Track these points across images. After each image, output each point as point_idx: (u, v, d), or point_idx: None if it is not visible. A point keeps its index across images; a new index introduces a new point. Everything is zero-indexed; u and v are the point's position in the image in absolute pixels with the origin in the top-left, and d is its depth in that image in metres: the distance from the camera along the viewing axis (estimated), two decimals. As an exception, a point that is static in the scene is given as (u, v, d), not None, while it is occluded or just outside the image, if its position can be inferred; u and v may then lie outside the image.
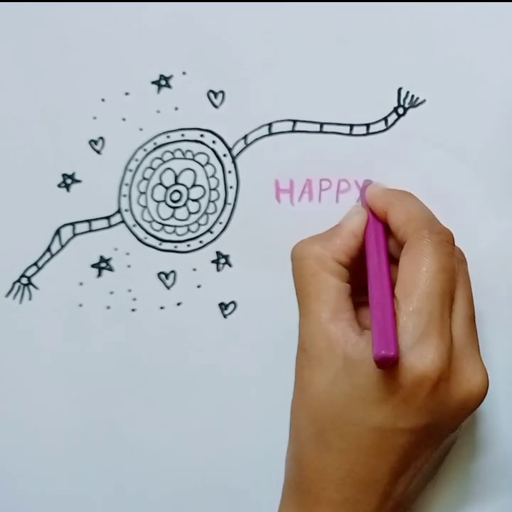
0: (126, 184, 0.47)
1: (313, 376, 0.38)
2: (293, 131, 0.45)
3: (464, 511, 0.45)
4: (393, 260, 0.40)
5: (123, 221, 0.47)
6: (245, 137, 0.46)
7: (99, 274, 0.48)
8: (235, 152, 0.46)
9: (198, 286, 0.46)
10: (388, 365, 0.35)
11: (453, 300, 0.38)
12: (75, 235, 0.48)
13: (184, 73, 0.46)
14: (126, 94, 0.47)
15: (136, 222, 0.47)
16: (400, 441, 0.37)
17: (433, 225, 0.39)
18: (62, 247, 0.48)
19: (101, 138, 0.47)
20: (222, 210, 0.46)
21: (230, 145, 0.46)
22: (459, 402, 0.37)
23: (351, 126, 0.45)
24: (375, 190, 0.43)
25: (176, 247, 0.47)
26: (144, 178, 0.47)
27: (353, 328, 0.38)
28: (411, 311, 0.36)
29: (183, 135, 0.46)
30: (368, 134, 0.44)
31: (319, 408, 0.38)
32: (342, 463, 0.37)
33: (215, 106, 0.46)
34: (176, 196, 0.46)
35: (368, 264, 0.40)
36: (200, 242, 0.46)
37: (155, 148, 0.47)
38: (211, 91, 0.46)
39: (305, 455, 0.39)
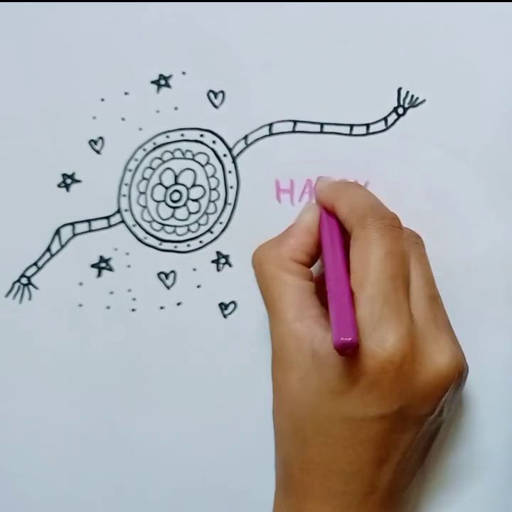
0: (126, 184, 0.47)
1: (285, 377, 0.39)
2: (293, 131, 0.45)
3: (453, 502, 0.45)
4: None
5: (123, 221, 0.47)
6: (246, 137, 0.46)
7: (99, 274, 0.48)
8: (235, 152, 0.46)
9: (198, 286, 0.46)
10: (349, 351, 0.35)
11: (408, 282, 0.38)
12: (74, 234, 0.48)
13: (184, 73, 0.46)
14: (126, 94, 0.47)
15: (136, 222, 0.47)
16: (374, 429, 0.37)
17: (376, 211, 0.39)
18: (62, 247, 0.48)
19: (101, 138, 0.47)
20: (223, 210, 0.46)
21: (231, 145, 0.46)
22: (427, 382, 0.37)
23: (351, 126, 0.45)
24: (322, 184, 0.43)
25: (175, 247, 0.47)
26: (144, 178, 0.47)
27: (320, 324, 0.38)
28: (366, 299, 0.36)
29: (182, 135, 0.46)
30: (367, 134, 0.45)
31: (294, 408, 0.38)
32: (322, 457, 0.38)
33: (215, 106, 0.46)
34: (175, 196, 0.46)
35: (324, 259, 0.40)
36: (200, 242, 0.46)
37: (154, 148, 0.47)
38: (211, 91, 0.46)
39: (288, 455, 0.39)
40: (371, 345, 0.36)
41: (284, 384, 0.39)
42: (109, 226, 0.47)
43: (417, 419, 0.38)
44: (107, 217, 0.47)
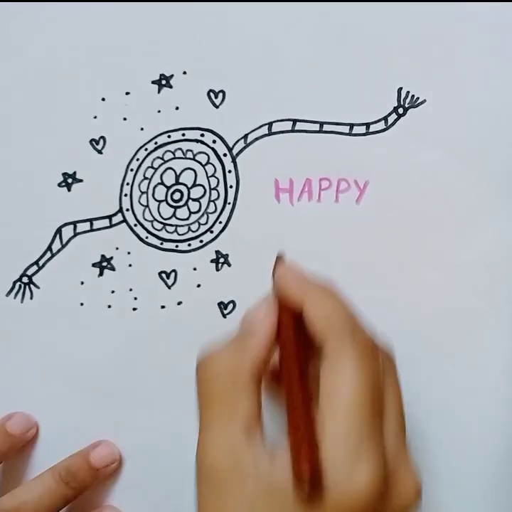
0: (128, 183, 0.47)
1: (223, 504, 0.34)
2: (293, 130, 0.45)
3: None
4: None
5: (124, 220, 0.47)
6: (245, 137, 0.46)
7: (101, 274, 0.48)
8: (235, 151, 0.46)
9: (198, 286, 0.47)
10: (312, 485, 0.32)
11: (383, 412, 0.35)
12: (76, 234, 0.48)
13: (184, 73, 0.46)
14: (127, 93, 0.47)
15: (138, 221, 0.47)
16: None
17: (355, 332, 0.35)
18: (63, 246, 0.48)
19: (102, 137, 0.48)
20: (222, 209, 0.46)
21: (230, 144, 0.46)
22: (397, 510, 0.35)
23: (351, 125, 0.45)
24: (287, 279, 0.37)
25: (177, 246, 0.47)
26: (145, 178, 0.47)
27: (265, 449, 0.35)
28: (340, 433, 0.34)
29: (183, 134, 0.47)
30: (367, 133, 0.45)
31: None
32: None
33: (216, 105, 0.46)
34: (177, 196, 0.47)
35: (281, 372, 0.37)
36: (201, 241, 0.46)
37: (156, 148, 0.47)
38: (211, 90, 0.46)
39: None
40: (347, 484, 0.33)
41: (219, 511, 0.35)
42: (111, 225, 0.48)
43: None
44: (109, 217, 0.48)
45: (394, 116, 0.44)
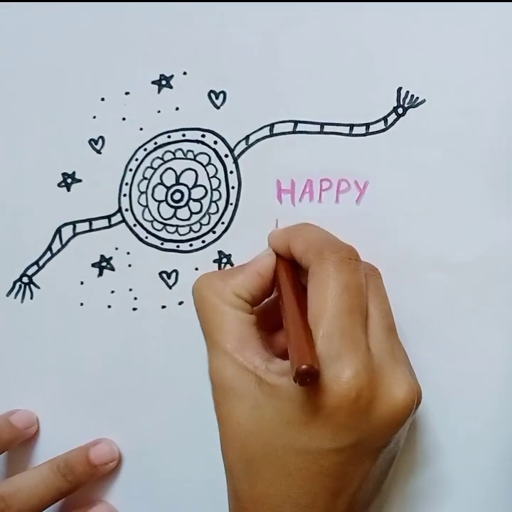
0: (127, 183, 0.47)
1: (231, 409, 0.38)
2: (294, 131, 0.45)
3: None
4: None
5: (123, 220, 0.47)
6: (247, 138, 0.46)
7: (100, 273, 0.48)
8: (236, 153, 0.46)
9: (200, 286, 0.47)
10: (310, 380, 0.34)
11: (365, 314, 0.38)
12: (75, 234, 0.48)
13: (185, 73, 0.46)
14: (127, 93, 0.47)
15: (137, 221, 0.47)
16: (329, 461, 0.36)
17: (332, 245, 0.38)
18: (63, 246, 0.48)
19: (101, 137, 0.48)
20: (225, 210, 0.46)
21: (232, 145, 0.46)
22: (384, 416, 0.36)
23: (351, 126, 0.45)
24: (275, 232, 0.43)
25: (178, 246, 0.47)
26: (144, 178, 0.47)
27: (261, 355, 0.38)
28: (322, 335, 0.36)
29: (184, 135, 0.47)
30: (367, 133, 0.45)
31: (245, 439, 0.37)
32: (276, 489, 0.37)
33: (217, 106, 0.46)
34: (177, 196, 0.47)
35: (281, 302, 0.40)
36: (203, 241, 0.46)
37: (155, 148, 0.47)
38: (212, 91, 0.46)
39: (240, 488, 0.38)
40: (327, 380, 0.35)
41: (230, 416, 0.38)
42: (110, 225, 0.48)
43: (373, 452, 0.37)
44: (108, 217, 0.48)
45: (393, 116, 0.44)
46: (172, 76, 0.46)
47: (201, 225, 0.46)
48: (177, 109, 0.46)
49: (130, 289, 0.47)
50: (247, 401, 0.37)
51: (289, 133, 0.45)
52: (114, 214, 0.47)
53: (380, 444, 0.37)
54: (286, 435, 0.36)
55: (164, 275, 0.47)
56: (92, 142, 0.48)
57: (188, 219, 0.46)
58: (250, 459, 0.38)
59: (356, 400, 0.35)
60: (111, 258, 0.48)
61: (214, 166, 0.46)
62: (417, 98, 0.44)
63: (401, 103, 0.44)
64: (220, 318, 0.39)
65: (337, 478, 0.36)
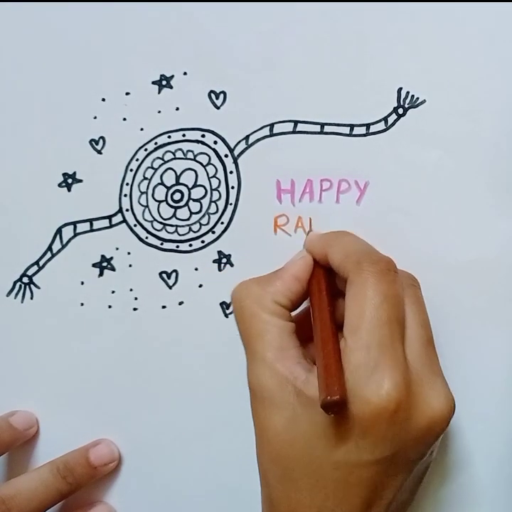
0: (127, 184, 0.47)
1: (269, 418, 0.38)
2: (294, 132, 0.45)
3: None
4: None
5: (124, 221, 0.47)
6: (247, 138, 0.46)
7: (101, 274, 0.48)
8: (236, 153, 0.46)
9: (200, 286, 0.47)
10: (336, 409, 0.34)
11: (403, 326, 0.38)
12: (76, 234, 0.48)
13: (185, 73, 0.46)
14: (127, 94, 0.47)
15: (137, 221, 0.47)
16: (366, 474, 0.36)
17: (371, 256, 0.39)
18: (64, 246, 0.48)
19: (102, 137, 0.48)
20: (224, 210, 0.46)
21: (232, 145, 0.46)
22: (421, 428, 0.36)
23: (351, 126, 0.45)
24: (312, 237, 0.43)
25: (177, 246, 0.47)
26: (145, 178, 0.47)
27: (301, 365, 0.38)
28: (361, 346, 0.36)
29: (184, 135, 0.47)
30: (367, 134, 0.45)
31: (281, 449, 0.38)
32: (312, 500, 0.37)
33: (217, 106, 0.46)
34: (177, 196, 0.47)
35: (311, 309, 0.40)
36: (202, 241, 0.46)
37: (156, 148, 0.47)
38: (212, 91, 0.46)
39: (275, 496, 0.38)
40: (367, 393, 0.35)
41: (267, 425, 0.38)
42: (111, 226, 0.48)
43: (409, 463, 0.37)
44: (109, 217, 0.48)
45: (394, 116, 0.44)
46: (172, 76, 0.46)
47: (201, 225, 0.46)
48: (177, 109, 0.47)
49: (130, 289, 0.48)
50: (284, 411, 0.37)
51: (289, 133, 0.45)
52: (114, 214, 0.48)
53: (416, 456, 0.37)
54: (322, 447, 0.36)
55: (164, 275, 0.47)
56: (93, 142, 0.48)
57: (188, 219, 0.47)
58: (286, 468, 0.38)
59: (395, 411, 0.35)
60: (111, 258, 0.48)
61: (214, 166, 0.46)
62: (418, 98, 0.44)
63: (401, 103, 0.44)
64: (260, 328, 0.39)
65: (373, 490, 0.37)
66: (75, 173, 0.48)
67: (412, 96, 0.44)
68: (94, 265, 0.48)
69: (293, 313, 0.41)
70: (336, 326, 0.38)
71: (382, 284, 0.37)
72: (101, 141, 0.48)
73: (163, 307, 0.47)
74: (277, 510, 0.38)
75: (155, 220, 0.47)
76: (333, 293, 0.40)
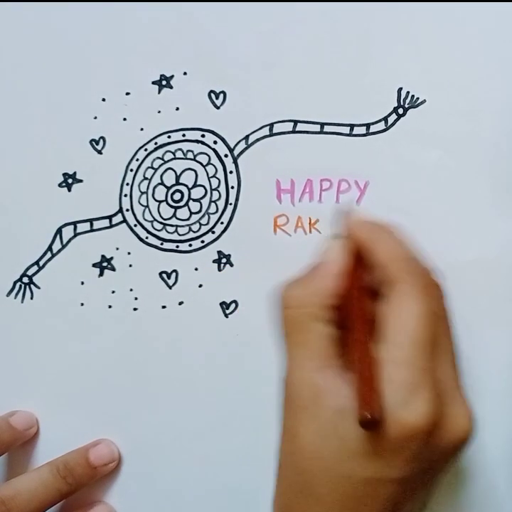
0: (127, 184, 0.47)
1: (299, 427, 0.37)
2: (294, 131, 0.45)
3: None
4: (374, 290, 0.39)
5: (124, 221, 0.47)
6: (246, 138, 0.46)
7: (101, 274, 0.48)
8: (236, 152, 0.46)
9: (200, 286, 0.47)
10: (372, 426, 0.34)
11: (442, 346, 0.37)
12: (76, 234, 0.48)
13: (185, 73, 0.46)
14: (127, 94, 0.47)
15: (138, 221, 0.47)
16: (391, 490, 0.36)
17: (418, 266, 0.38)
18: (64, 246, 0.48)
19: (102, 138, 0.48)
20: (224, 210, 0.46)
21: (232, 145, 0.46)
22: (449, 446, 0.36)
23: (351, 126, 0.45)
24: (358, 222, 0.41)
25: (177, 246, 0.47)
26: (145, 178, 0.47)
27: (341, 377, 0.37)
28: (402, 363, 0.35)
29: (184, 135, 0.47)
30: (367, 134, 0.45)
31: (307, 460, 0.37)
32: None
33: (216, 106, 0.46)
34: (177, 196, 0.47)
35: (349, 314, 0.38)
36: (202, 241, 0.46)
37: (156, 148, 0.47)
38: (212, 91, 0.46)
39: (291, 505, 0.38)
40: (404, 413, 0.35)
41: (296, 434, 0.37)
42: (111, 226, 0.48)
43: (432, 479, 0.38)
44: (109, 217, 0.48)
45: (394, 116, 0.44)
46: (172, 76, 0.47)
47: (201, 225, 0.46)
48: (177, 109, 0.47)
49: (131, 289, 0.48)
50: (317, 423, 0.37)
51: (288, 133, 0.45)
52: (115, 214, 0.48)
53: (440, 470, 0.38)
54: (350, 465, 0.36)
55: (164, 275, 0.47)
56: (93, 142, 0.48)
57: (188, 219, 0.47)
58: (308, 481, 0.37)
59: (430, 433, 0.35)
60: (112, 258, 0.48)
61: (214, 165, 0.46)
62: (418, 98, 0.44)
63: (401, 103, 0.44)
64: (305, 335, 0.38)
65: (395, 504, 0.36)
66: (75, 173, 0.48)
67: (412, 96, 0.44)
68: (94, 265, 0.48)
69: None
70: (372, 330, 0.37)
71: (429, 299, 0.37)
72: (101, 141, 0.48)
73: (163, 307, 0.47)
74: None
75: (155, 220, 0.47)
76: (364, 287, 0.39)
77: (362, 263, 0.40)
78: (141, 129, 0.47)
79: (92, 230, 0.48)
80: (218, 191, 0.46)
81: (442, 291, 0.38)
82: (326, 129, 0.45)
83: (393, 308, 0.37)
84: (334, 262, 0.40)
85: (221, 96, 0.46)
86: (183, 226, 0.47)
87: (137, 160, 0.47)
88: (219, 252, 0.46)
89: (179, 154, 0.47)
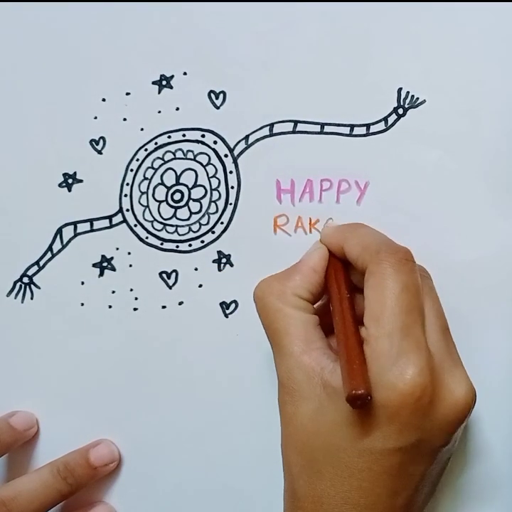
0: (128, 184, 0.47)
1: (296, 409, 0.38)
2: (294, 131, 0.45)
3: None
4: (360, 291, 0.40)
5: (124, 221, 0.47)
6: (246, 138, 0.46)
7: (101, 274, 0.48)
8: (236, 152, 0.46)
9: (200, 286, 0.47)
10: (361, 402, 0.34)
11: (423, 315, 0.38)
12: (76, 234, 0.48)
13: (185, 74, 0.46)
14: (127, 94, 0.47)
15: (138, 221, 0.47)
16: (391, 462, 0.36)
17: (388, 246, 0.39)
18: (64, 246, 0.48)
19: (102, 138, 0.48)
20: (224, 210, 0.46)
21: (231, 145, 0.46)
22: (445, 415, 0.36)
23: (351, 126, 0.45)
24: (328, 230, 0.43)
25: (177, 246, 0.47)
26: (145, 178, 0.47)
27: (328, 356, 0.38)
28: (383, 334, 0.36)
29: (184, 135, 0.47)
30: (368, 134, 0.45)
31: (307, 439, 0.38)
32: (337, 490, 0.37)
33: (216, 106, 0.46)
34: (177, 196, 0.47)
35: (331, 301, 0.40)
36: (202, 241, 0.46)
37: (156, 149, 0.47)
38: (212, 91, 0.46)
39: (299, 487, 0.38)
40: (391, 379, 0.35)
41: (294, 416, 0.38)
42: (111, 226, 0.48)
43: (433, 451, 0.38)
44: (109, 217, 0.48)
45: (394, 116, 0.44)
46: (172, 76, 0.47)
47: (201, 225, 0.46)
48: (177, 109, 0.47)
49: (131, 289, 0.48)
50: (311, 402, 0.38)
51: (288, 133, 0.45)
52: (115, 214, 0.48)
53: (440, 444, 0.37)
54: (348, 436, 0.37)
55: (164, 275, 0.47)
56: (93, 143, 0.48)
57: (188, 219, 0.47)
58: (312, 459, 0.38)
59: (420, 398, 0.35)
60: (112, 258, 0.48)
61: (214, 165, 0.46)
62: (418, 98, 0.44)
63: (401, 103, 0.44)
64: (285, 322, 0.39)
65: (398, 479, 0.37)
66: (75, 173, 0.48)
67: (412, 96, 0.44)
68: (94, 265, 0.48)
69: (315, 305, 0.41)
70: (356, 316, 0.39)
71: (402, 273, 0.37)
72: (101, 141, 0.48)
73: (163, 307, 0.47)
74: (301, 501, 0.38)
75: (155, 220, 0.47)
76: (350, 286, 0.41)
77: (340, 265, 0.41)
78: (142, 129, 0.47)
79: (92, 230, 0.48)
80: (218, 191, 0.46)
81: (415, 266, 0.39)
82: (326, 129, 0.45)
83: (369, 288, 0.38)
84: (310, 260, 0.42)
85: (221, 96, 0.46)
86: (183, 226, 0.47)
87: (137, 160, 0.47)
88: (219, 252, 0.46)
89: (179, 154, 0.47)
